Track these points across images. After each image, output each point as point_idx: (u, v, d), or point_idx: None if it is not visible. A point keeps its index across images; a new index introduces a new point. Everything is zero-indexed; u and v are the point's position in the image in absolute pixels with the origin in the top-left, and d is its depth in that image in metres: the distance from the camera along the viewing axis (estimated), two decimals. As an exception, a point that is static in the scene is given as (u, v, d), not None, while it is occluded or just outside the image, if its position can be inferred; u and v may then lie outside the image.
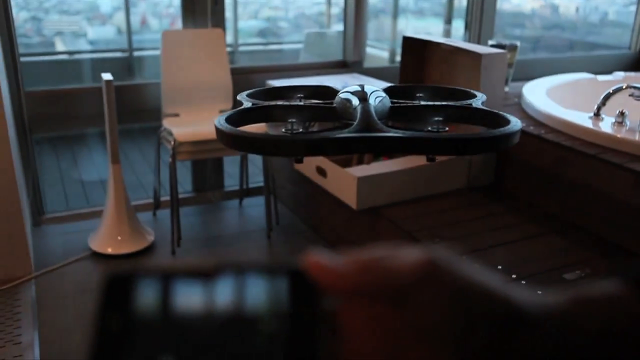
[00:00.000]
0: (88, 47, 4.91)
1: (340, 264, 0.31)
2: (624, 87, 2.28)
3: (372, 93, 1.40)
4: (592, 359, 0.29)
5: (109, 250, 2.43)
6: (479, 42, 3.28)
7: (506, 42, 2.81)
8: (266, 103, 1.49)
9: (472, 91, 1.56)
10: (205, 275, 0.30)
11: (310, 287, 0.31)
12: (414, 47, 2.57)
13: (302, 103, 1.50)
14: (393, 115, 1.43)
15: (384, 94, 1.43)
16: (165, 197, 2.81)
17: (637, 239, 1.91)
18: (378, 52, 3.97)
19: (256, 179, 3.04)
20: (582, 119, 2.22)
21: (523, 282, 1.72)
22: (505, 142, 1.28)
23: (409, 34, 2.58)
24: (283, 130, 1.41)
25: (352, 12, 3.13)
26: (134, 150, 3.96)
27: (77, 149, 4.05)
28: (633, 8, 3.89)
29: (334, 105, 1.43)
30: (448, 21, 3.69)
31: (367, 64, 3.26)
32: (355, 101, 1.37)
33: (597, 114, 2.25)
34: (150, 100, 2.80)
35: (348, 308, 0.32)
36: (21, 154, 2.55)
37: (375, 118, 1.31)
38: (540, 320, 0.30)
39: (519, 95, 2.68)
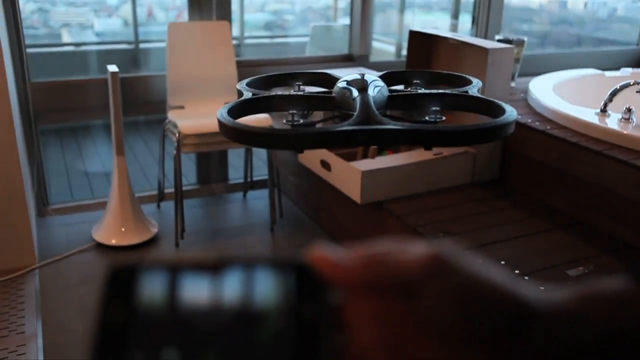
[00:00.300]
0: (94, 39, 4.91)
1: (346, 258, 0.31)
2: (632, 83, 2.26)
3: (371, 83, 1.40)
4: (600, 356, 0.29)
5: (113, 242, 2.44)
6: (485, 37, 3.26)
7: (513, 37, 2.79)
8: (266, 93, 1.49)
9: (468, 77, 1.56)
10: (210, 268, 0.30)
11: (316, 281, 0.30)
12: (420, 42, 2.56)
13: (301, 93, 1.50)
14: (391, 104, 1.43)
15: (382, 83, 1.43)
16: (169, 189, 2.82)
17: (643, 236, 1.90)
18: (384, 46, 3.95)
19: (260, 171, 3.04)
20: (588, 115, 2.21)
21: (526, 277, 1.72)
22: (501, 132, 1.28)
23: (416, 28, 2.57)
24: (284, 121, 1.41)
25: (358, 5, 3.12)
26: (138, 142, 3.96)
27: (82, 141, 4.06)
28: (642, 4, 3.86)
29: (333, 94, 1.43)
30: (455, 16, 3.68)
31: (374, 58, 3.25)
32: (354, 91, 1.37)
33: (603, 110, 2.23)
34: (155, 93, 2.80)
35: (354, 302, 0.31)
36: (26, 144, 2.55)
37: (375, 109, 1.31)
38: (547, 316, 0.30)
39: (526, 91, 2.67)
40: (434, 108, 1.37)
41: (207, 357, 0.28)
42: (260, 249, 2.52)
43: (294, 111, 1.39)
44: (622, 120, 2.16)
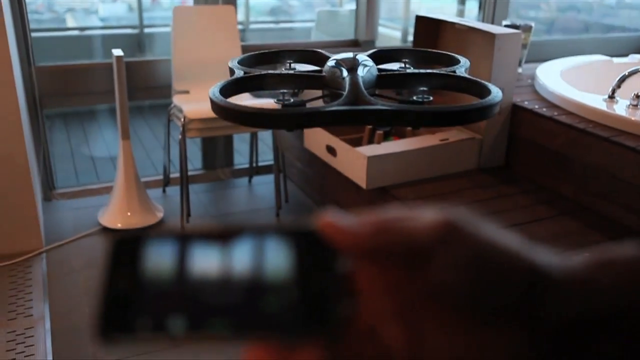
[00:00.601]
0: (99, 24, 4.90)
1: (355, 225, 0.30)
2: (640, 69, 2.25)
3: (360, 62, 1.41)
4: (615, 321, 0.29)
5: (119, 226, 2.44)
6: (492, 23, 3.24)
7: (521, 22, 2.77)
8: (257, 72, 1.50)
9: (456, 56, 1.57)
10: (216, 237, 0.30)
11: (325, 248, 0.30)
12: (427, 27, 2.54)
13: (292, 71, 1.52)
14: (380, 84, 1.44)
15: (371, 63, 1.44)
16: (174, 174, 2.82)
17: (649, 223, 1.90)
18: (390, 32, 3.93)
19: (266, 157, 3.04)
20: (596, 101, 2.20)
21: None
22: (486, 113, 1.31)
23: (422, 13, 2.55)
24: (274, 100, 1.42)
25: (364, -10, 3.10)
26: (143, 127, 3.96)
27: (87, 125, 4.06)
28: (651, -10, 3.83)
29: (323, 74, 1.44)
30: (462, 1, 3.65)
31: (380, 43, 3.23)
32: (344, 71, 1.38)
33: (611, 97, 2.22)
34: (160, 77, 2.80)
35: (363, 269, 0.31)
36: (32, 129, 2.56)
37: (364, 90, 1.32)
38: (562, 282, 0.29)
39: (533, 77, 2.65)
40: (421, 88, 1.39)
41: (214, 325, 0.28)
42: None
43: (285, 90, 1.41)
44: (630, 106, 2.15)
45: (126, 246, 0.30)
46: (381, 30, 3.37)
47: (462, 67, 1.49)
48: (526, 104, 2.34)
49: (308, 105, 1.42)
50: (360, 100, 1.31)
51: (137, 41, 4.48)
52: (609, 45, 3.57)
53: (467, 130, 2.39)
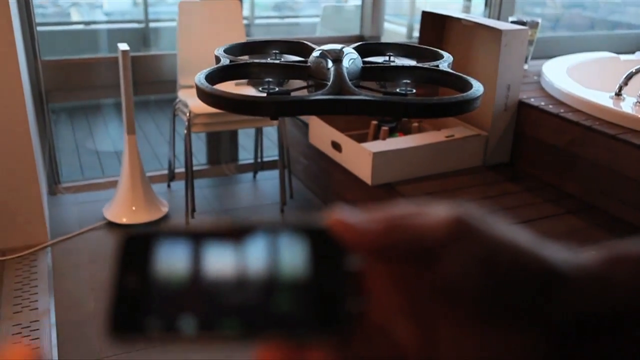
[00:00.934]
0: (103, 18, 4.90)
1: (365, 222, 0.30)
2: (647, 66, 2.24)
3: (345, 54, 1.44)
4: (629, 318, 0.28)
5: (124, 220, 2.45)
6: (499, 19, 3.23)
7: (527, 19, 2.76)
8: (243, 60, 1.52)
9: (439, 51, 1.60)
10: (225, 235, 0.30)
11: (334, 245, 0.30)
12: (433, 23, 2.53)
13: (277, 61, 1.54)
14: (364, 75, 1.47)
15: (356, 55, 1.47)
16: (179, 169, 2.82)
17: (655, 221, 1.90)
18: (395, 28, 3.92)
19: (270, 152, 3.04)
20: (603, 98, 2.19)
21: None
22: (466, 107, 1.33)
23: (428, 9, 2.54)
24: (260, 88, 1.44)
25: (370, -15, 3.09)
26: (148, 121, 3.97)
27: (92, 119, 4.06)
28: (658, -13, 3.81)
29: (309, 64, 1.47)
30: (468, -3, 3.63)
31: (385, 39, 3.22)
32: (329, 62, 1.41)
33: (618, 94, 2.21)
34: (165, 72, 2.80)
35: (373, 267, 0.31)
36: (37, 123, 2.56)
37: (348, 81, 1.35)
38: (575, 279, 0.29)
39: (539, 74, 2.64)
40: (404, 80, 1.42)
41: (223, 324, 0.28)
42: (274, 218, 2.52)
43: (270, 79, 1.43)
44: (637, 104, 2.14)
45: (136, 243, 0.30)
46: (386, 26, 3.36)
47: (445, 62, 1.52)
48: (532, 100, 2.33)
49: (292, 94, 1.45)
50: (344, 90, 1.35)
51: (142, 36, 4.48)
52: (616, 42, 3.55)
53: (473, 127, 2.39)
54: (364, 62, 1.50)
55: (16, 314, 1.90)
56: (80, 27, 4.93)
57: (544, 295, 0.28)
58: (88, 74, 2.75)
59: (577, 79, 2.46)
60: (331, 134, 2.36)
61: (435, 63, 1.52)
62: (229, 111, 1.54)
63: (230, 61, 1.52)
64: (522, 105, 2.34)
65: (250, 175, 3.01)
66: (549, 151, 2.25)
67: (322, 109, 1.40)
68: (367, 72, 1.50)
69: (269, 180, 2.95)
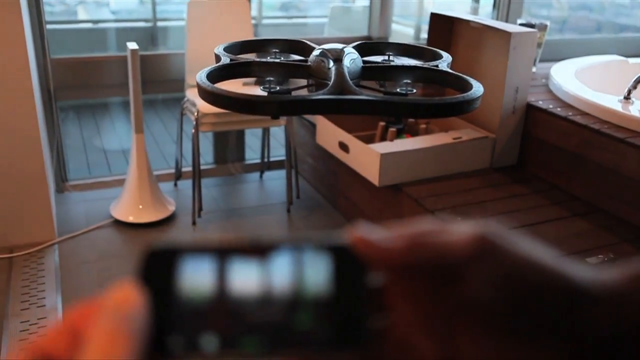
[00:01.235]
0: (111, 17, 4.91)
1: (387, 239, 0.30)
2: (656, 70, 2.23)
3: (346, 53, 1.44)
4: None
5: (131, 219, 2.45)
6: (507, 21, 3.22)
7: (535, 21, 2.76)
8: (244, 59, 1.53)
9: (439, 51, 1.60)
10: (248, 251, 0.29)
11: (356, 263, 0.29)
12: (441, 25, 2.53)
13: (278, 60, 1.55)
14: (364, 75, 1.48)
15: (356, 54, 1.48)
16: (186, 168, 2.83)
17: (663, 225, 1.89)
18: (403, 29, 3.92)
19: (277, 152, 3.04)
20: (611, 102, 2.19)
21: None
22: (467, 107, 1.34)
23: (436, 10, 2.54)
24: (261, 88, 1.45)
25: (378, -14, 3.09)
26: (155, 120, 3.98)
27: (99, 118, 4.07)
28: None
29: (309, 63, 1.47)
30: (476, -1, 3.63)
31: (392, 39, 3.22)
32: (330, 61, 1.41)
33: (627, 98, 2.21)
34: (173, 71, 2.80)
35: (395, 285, 0.31)
36: (46, 120, 2.57)
37: (349, 80, 1.36)
38: (600, 297, 0.29)
39: (547, 76, 2.64)
40: (405, 80, 1.43)
41: (245, 342, 0.28)
42: (277, 230, 2.53)
43: (271, 78, 1.44)
44: (646, 107, 2.14)
45: (159, 257, 0.29)
46: (394, 27, 3.36)
47: (445, 62, 1.53)
48: (540, 103, 2.33)
49: (293, 94, 1.45)
50: (346, 90, 1.35)
51: (150, 34, 4.49)
52: (623, 45, 3.55)
53: (481, 129, 2.39)
54: (363, 62, 1.51)
55: (24, 310, 1.91)
56: (88, 25, 4.94)
57: (568, 313, 0.28)
58: (96, 73, 2.76)
59: (586, 82, 2.45)
60: (338, 135, 2.36)
61: (434, 63, 1.53)
62: (229, 110, 1.55)
63: (231, 60, 1.53)
64: (530, 108, 2.34)
65: (256, 175, 3.02)
66: (556, 154, 2.24)
67: (324, 109, 1.41)
68: (367, 72, 1.51)
69: (276, 180, 2.95)
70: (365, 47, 1.63)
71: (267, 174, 3.01)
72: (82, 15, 4.90)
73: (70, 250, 2.29)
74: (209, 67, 1.49)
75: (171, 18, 4.58)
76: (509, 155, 2.39)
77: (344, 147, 2.34)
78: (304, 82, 1.59)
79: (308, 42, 1.65)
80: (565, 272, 0.29)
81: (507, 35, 2.20)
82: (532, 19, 2.90)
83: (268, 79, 1.45)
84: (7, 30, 2.05)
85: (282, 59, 1.60)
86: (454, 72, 1.47)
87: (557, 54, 3.04)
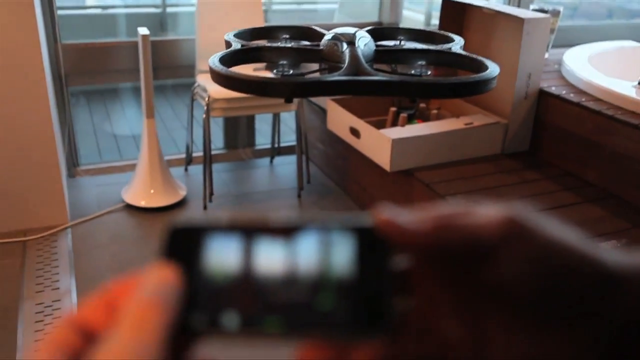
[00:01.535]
0: (120, 2, 4.90)
1: (414, 222, 0.29)
2: (671, 56, 2.21)
3: (359, 37, 1.44)
4: None
5: (142, 203, 2.47)
6: (519, 7, 3.20)
7: (548, 7, 2.73)
8: (255, 44, 1.53)
9: (450, 35, 1.59)
10: (273, 231, 0.29)
11: (381, 245, 0.29)
12: (453, 10, 2.52)
13: (289, 45, 1.54)
14: (378, 58, 1.47)
15: (369, 37, 1.47)
16: (196, 154, 2.84)
17: (676, 211, 1.88)
18: (413, 15, 3.89)
19: (287, 138, 3.04)
20: (625, 87, 2.17)
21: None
22: (484, 87, 1.33)
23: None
24: (274, 71, 1.44)
25: (390, -29, 3.07)
26: (165, 106, 3.98)
27: (109, 103, 4.08)
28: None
29: (321, 47, 1.46)
30: (487, -16, 3.60)
31: (403, 26, 3.20)
32: (343, 44, 1.40)
33: (640, 83, 2.19)
34: (183, 56, 2.80)
35: (421, 268, 0.30)
36: (57, 106, 2.58)
37: (364, 62, 1.35)
38: (631, 281, 0.28)
39: (559, 62, 2.62)
40: (419, 62, 1.42)
41: (267, 321, 0.28)
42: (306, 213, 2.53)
43: (284, 61, 1.44)
44: (660, 93, 2.12)
45: (183, 236, 0.29)
46: (405, 13, 3.34)
47: (457, 45, 1.52)
48: (553, 89, 2.32)
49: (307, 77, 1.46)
50: (361, 71, 1.35)
51: (160, 20, 4.48)
52: (636, 31, 3.51)
53: (493, 115, 2.38)
54: (376, 46, 1.50)
55: (38, 293, 1.93)
56: (98, 11, 4.94)
57: (599, 297, 0.27)
58: (107, 58, 2.76)
59: (599, 68, 2.44)
60: (349, 120, 2.36)
61: (447, 46, 1.52)
62: (243, 92, 1.55)
63: (242, 46, 1.53)
64: (543, 94, 2.32)
65: (267, 160, 3.02)
66: (569, 140, 2.23)
67: (339, 90, 1.41)
68: (381, 55, 1.50)
69: (286, 165, 2.96)
70: (377, 32, 1.63)
71: (278, 159, 3.01)
72: (91, 1, 4.89)
73: (82, 234, 2.30)
74: (221, 52, 1.49)
75: (181, 3, 4.56)
76: (521, 141, 2.38)
77: (355, 132, 2.34)
78: (315, 68, 1.58)
79: (318, 29, 1.65)
80: (595, 254, 0.28)
81: (520, 21, 2.18)
82: (545, 4, 2.88)
83: (281, 62, 1.44)
84: (19, 17, 2.05)
85: (293, 44, 1.60)
86: (467, 53, 1.47)
87: (570, 40, 3.02)
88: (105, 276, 2.06)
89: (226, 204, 2.59)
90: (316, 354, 0.29)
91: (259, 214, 2.49)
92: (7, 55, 2.07)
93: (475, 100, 2.45)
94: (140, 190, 2.49)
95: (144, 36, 2.33)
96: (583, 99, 2.20)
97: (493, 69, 1.38)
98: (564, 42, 2.92)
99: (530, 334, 0.28)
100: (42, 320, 1.81)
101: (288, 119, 3.17)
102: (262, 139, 3.15)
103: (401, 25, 3.18)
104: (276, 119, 2.95)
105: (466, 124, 2.30)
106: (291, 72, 1.45)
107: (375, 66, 1.47)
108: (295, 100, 2.44)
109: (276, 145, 3.01)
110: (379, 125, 2.35)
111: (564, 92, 2.29)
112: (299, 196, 2.65)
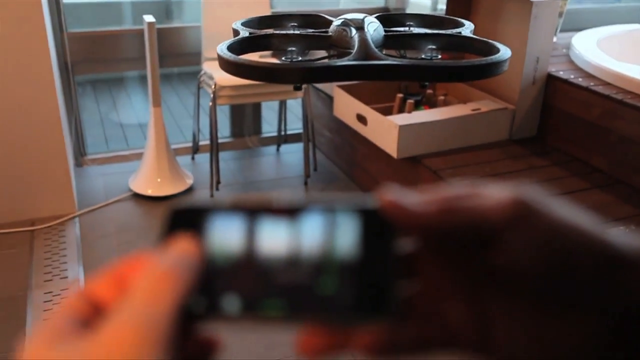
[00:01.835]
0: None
1: (419, 203, 0.28)
2: (681, 39, 2.18)
3: (368, 22, 1.43)
4: None
5: (149, 192, 2.47)
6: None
7: (556, -10, 2.70)
8: (263, 32, 1.52)
9: (460, 20, 1.58)
10: (276, 211, 0.29)
11: (387, 227, 0.28)
12: (460, -6, 2.49)
13: (298, 32, 1.53)
14: (387, 44, 1.46)
15: (378, 23, 1.46)
16: (203, 142, 2.83)
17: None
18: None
19: (293, 125, 3.04)
20: (635, 71, 2.14)
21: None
22: (496, 69, 1.32)
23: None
24: (283, 58, 1.43)
25: (396, -44, 3.04)
26: (171, 94, 3.98)
27: (115, 92, 4.08)
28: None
29: (330, 33, 1.45)
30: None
31: (409, 10, 3.17)
32: (352, 30, 1.39)
33: (650, 67, 2.17)
34: (189, 44, 2.79)
35: (426, 251, 0.30)
36: (64, 95, 2.58)
37: (373, 46, 1.34)
38: (636, 263, 0.27)
39: (568, 46, 2.59)
40: (430, 47, 1.41)
41: (267, 304, 0.27)
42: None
43: (292, 48, 1.43)
44: (670, 77, 2.09)
45: (184, 217, 0.29)
46: (411, -3, 3.31)
47: (468, 29, 1.50)
48: (561, 74, 2.29)
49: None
50: (370, 56, 1.34)
51: (165, 7, 4.47)
52: (646, 15, 3.46)
53: (500, 100, 2.36)
54: (385, 31, 1.49)
55: (47, 282, 1.94)
56: (103, -1, 4.92)
57: (607, 281, 0.27)
58: (113, 46, 2.76)
59: (608, 52, 2.41)
60: (356, 107, 2.35)
61: (457, 30, 1.51)
62: (252, 79, 1.54)
63: (250, 33, 1.52)
64: (551, 79, 2.30)
65: (273, 148, 3.01)
66: (577, 125, 2.21)
67: (349, 75, 1.40)
68: (390, 40, 1.49)
69: (293, 153, 2.95)
70: (385, 18, 1.62)
71: (284, 147, 3.01)
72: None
73: (90, 223, 2.31)
74: (229, 40, 1.48)
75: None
76: (528, 127, 2.36)
77: (361, 119, 2.33)
78: (324, 55, 1.57)
79: (325, 16, 1.64)
80: (604, 237, 0.28)
81: (528, 4, 2.16)
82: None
83: (289, 49, 1.44)
84: (25, 6, 2.04)
85: (301, 32, 1.59)
86: (477, 37, 1.45)
87: (578, 23, 2.98)
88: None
89: (233, 192, 2.59)
90: (317, 339, 0.28)
91: (263, 195, 2.49)
92: (14, 44, 2.07)
93: (482, 86, 2.43)
94: (147, 179, 2.50)
95: (150, 24, 2.32)
96: (591, 83, 2.18)
97: (504, 51, 1.36)
98: (572, 26, 2.88)
99: (535, 317, 0.27)
100: (50, 310, 1.82)
101: (294, 106, 3.16)
102: (269, 127, 3.14)
103: (408, 10, 3.15)
104: (282, 107, 2.94)
105: (473, 110, 2.28)
106: (299, 59, 1.44)
107: (385, 52, 1.46)
108: (302, 87, 2.43)
109: (282, 133, 3.00)
110: (386, 111, 2.34)
111: (572, 76, 2.27)
112: (306, 184, 2.64)
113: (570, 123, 2.25)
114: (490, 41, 1.42)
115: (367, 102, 2.33)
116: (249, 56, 1.46)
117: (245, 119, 3.05)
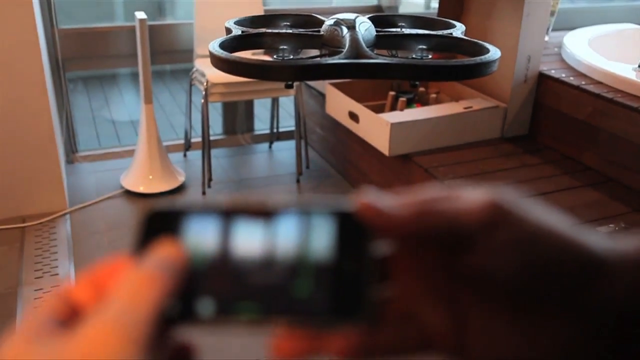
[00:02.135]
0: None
1: (395, 206, 0.28)
2: (672, 38, 2.20)
3: (359, 22, 1.44)
4: None
5: (141, 189, 2.46)
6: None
7: (548, -12, 2.70)
8: (255, 31, 1.52)
9: (451, 21, 1.59)
10: (251, 213, 0.28)
11: (362, 230, 0.28)
12: (453, -8, 2.50)
13: (290, 31, 1.54)
14: (378, 44, 1.48)
15: (369, 23, 1.47)
16: (195, 139, 2.83)
17: (675, 195, 1.88)
18: (413, -2, 3.86)
19: (285, 123, 3.03)
20: (625, 70, 2.16)
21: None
22: (485, 69, 1.33)
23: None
24: (275, 57, 1.44)
25: (389, -46, 3.04)
26: (163, 92, 3.96)
27: (107, 89, 4.06)
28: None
29: (322, 33, 1.46)
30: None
31: (402, 9, 3.18)
32: (343, 29, 1.41)
33: (641, 66, 2.18)
34: (181, 41, 2.78)
35: (402, 254, 0.29)
36: (55, 91, 2.56)
37: (364, 45, 1.35)
38: (615, 267, 0.27)
39: (560, 45, 2.60)
40: (420, 47, 1.43)
41: (241, 307, 0.27)
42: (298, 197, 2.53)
43: (284, 47, 1.44)
44: (660, 76, 2.11)
45: (160, 220, 0.28)
46: (404, -4, 3.31)
47: (459, 30, 1.52)
48: (553, 72, 2.30)
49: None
50: (361, 55, 1.35)
51: (158, 4, 4.45)
52: (637, 14, 3.48)
53: (492, 99, 2.37)
54: (377, 32, 1.50)
55: (37, 279, 1.93)
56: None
57: (583, 283, 0.27)
58: (104, 43, 2.74)
59: (599, 51, 2.42)
60: (348, 105, 2.35)
61: (448, 31, 1.53)
62: (244, 76, 1.55)
63: (242, 32, 1.52)
64: (543, 77, 2.31)
65: (265, 145, 3.01)
66: (568, 123, 2.22)
67: (340, 73, 1.41)
68: (382, 40, 1.50)
69: (285, 150, 2.95)
70: (378, 19, 1.62)
71: (277, 145, 3.01)
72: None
73: (81, 220, 2.30)
74: (222, 38, 1.49)
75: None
76: (520, 125, 2.37)
77: (353, 116, 2.33)
78: (315, 54, 1.58)
79: (317, 16, 1.65)
80: (582, 241, 0.27)
81: (520, 2, 2.16)
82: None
83: (281, 47, 1.44)
84: (16, 1, 2.03)
85: (294, 31, 1.59)
86: (468, 38, 1.47)
87: (570, 22, 2.99)
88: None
89: (225, 189, 2.59)
90: (292, 342, 0.28)
91: (241, 197, 2.48)
92: (4, 40, 2.06)
93: (474, 84, 2.43)
94: (139, 176, 2.49)
95: (142, 20, 2.31)
96: (583, 82, 2.19)
97: (494, 52, 1.38)
98: (564, 25, 2.89)
99: (511, 321, 0.27)
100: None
101: (287, 104, 3.16)
102: (261, 124, 3.14)
103: (400, 9, 3.16)
104: (275, 104, 2.94)
105: (465, 108, 2.29)
106: (291, 57, 1.45)
107: (376, 51, 1.48)
108: (294, 85, 2.43)
109: (275, 131, 3.00)
110: (378, 109, 2.34)
111: (563, 75, 2.28)
112: (298, 181, 2.64)
113: (562, 121, 2.26)
114: (480, 42, 1.43)
115: (359, 100, 2.33)
116: (241, 54, 1.46)
117: (238, 116, 3.04)
